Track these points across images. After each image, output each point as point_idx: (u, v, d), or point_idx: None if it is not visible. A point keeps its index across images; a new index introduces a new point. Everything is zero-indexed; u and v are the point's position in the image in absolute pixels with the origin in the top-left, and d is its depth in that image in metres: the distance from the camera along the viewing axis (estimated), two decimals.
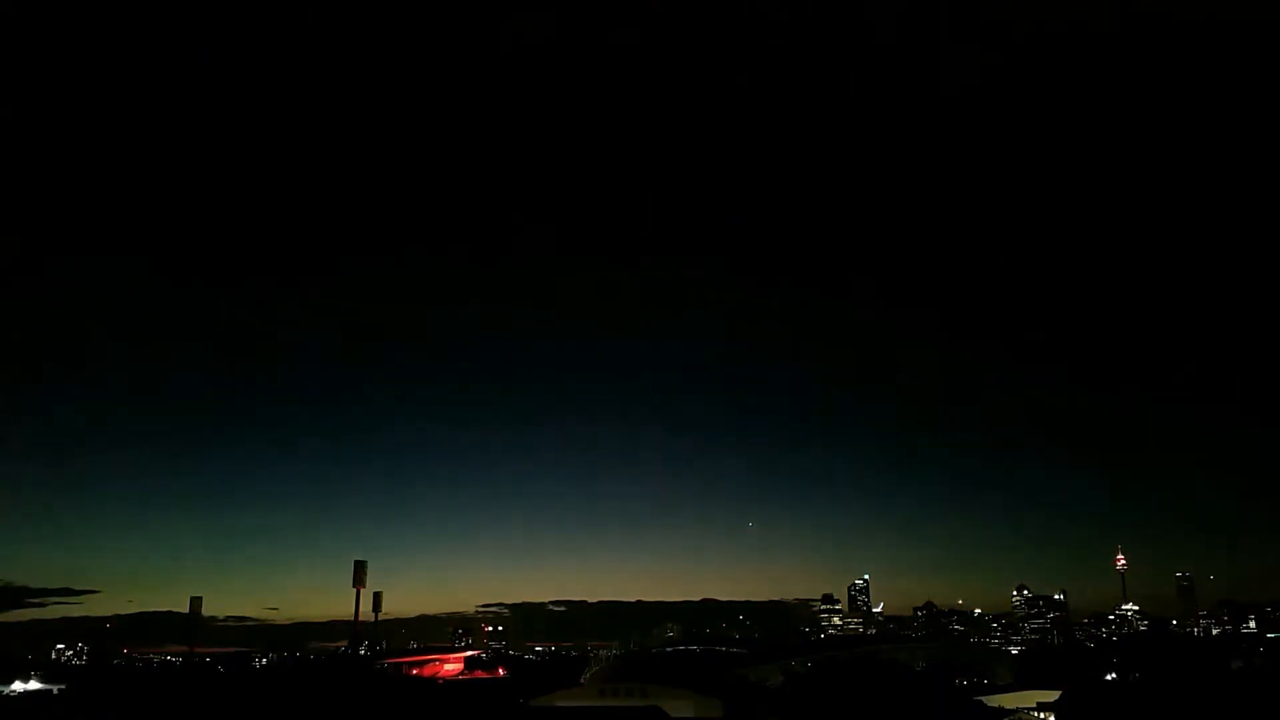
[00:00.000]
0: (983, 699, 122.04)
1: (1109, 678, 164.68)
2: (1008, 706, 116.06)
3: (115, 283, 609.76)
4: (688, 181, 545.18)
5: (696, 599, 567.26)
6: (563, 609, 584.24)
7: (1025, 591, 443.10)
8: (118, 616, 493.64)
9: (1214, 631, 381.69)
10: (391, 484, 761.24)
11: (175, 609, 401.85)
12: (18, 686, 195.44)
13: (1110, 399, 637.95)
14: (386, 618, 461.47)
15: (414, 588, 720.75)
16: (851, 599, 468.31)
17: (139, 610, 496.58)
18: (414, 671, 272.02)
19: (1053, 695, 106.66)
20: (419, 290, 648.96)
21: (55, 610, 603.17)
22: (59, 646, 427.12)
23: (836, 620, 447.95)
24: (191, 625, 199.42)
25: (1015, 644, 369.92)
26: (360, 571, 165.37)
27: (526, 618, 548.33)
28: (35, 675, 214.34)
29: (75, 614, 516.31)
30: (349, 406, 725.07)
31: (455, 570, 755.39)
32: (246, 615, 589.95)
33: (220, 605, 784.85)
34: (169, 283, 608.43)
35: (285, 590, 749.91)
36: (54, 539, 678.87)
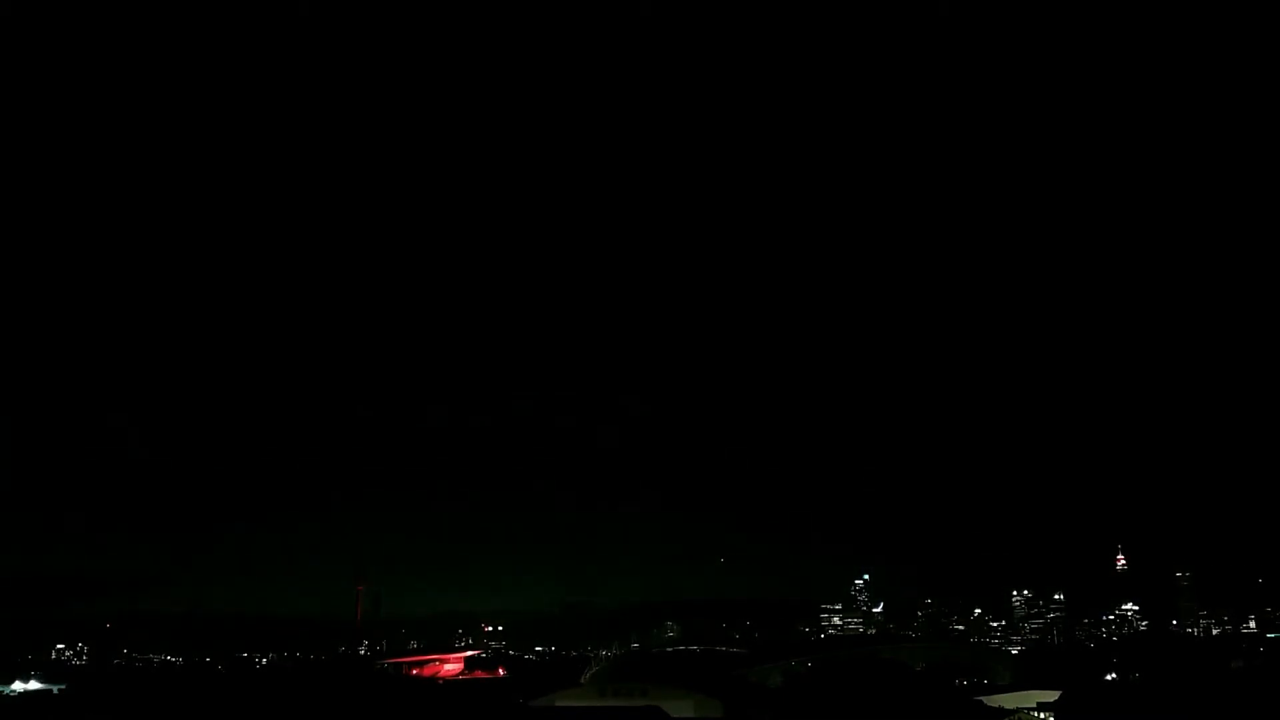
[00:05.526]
0: (983, 699, 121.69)
1: (1109, 678, 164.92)
2: (1008, 706, 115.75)
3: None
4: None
5: (696, 599, 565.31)
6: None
7: (1025, 591, 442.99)
8: (118, 616, 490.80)
9: (1214, 631, 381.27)
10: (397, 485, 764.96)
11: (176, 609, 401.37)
12: (18, 686, 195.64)
13: (1110, 398, 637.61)
14: (404, 617, 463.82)
15: (420, 588, 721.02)
16: (851, 599, 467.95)
17: (137, 610, 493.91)
18: (414, 672, 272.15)
19: (1053, 695, 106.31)
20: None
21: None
22: (59, 646, 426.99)
23: (836, 620, 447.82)
24: (192, 625, 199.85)
25: (1015, 644, 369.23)
26: (360, 572, 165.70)
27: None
28: (35, 675, 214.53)
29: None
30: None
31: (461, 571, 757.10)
32: (248, 615, 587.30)
33: (220, 604, 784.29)
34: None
35: (287, 589, 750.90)
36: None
